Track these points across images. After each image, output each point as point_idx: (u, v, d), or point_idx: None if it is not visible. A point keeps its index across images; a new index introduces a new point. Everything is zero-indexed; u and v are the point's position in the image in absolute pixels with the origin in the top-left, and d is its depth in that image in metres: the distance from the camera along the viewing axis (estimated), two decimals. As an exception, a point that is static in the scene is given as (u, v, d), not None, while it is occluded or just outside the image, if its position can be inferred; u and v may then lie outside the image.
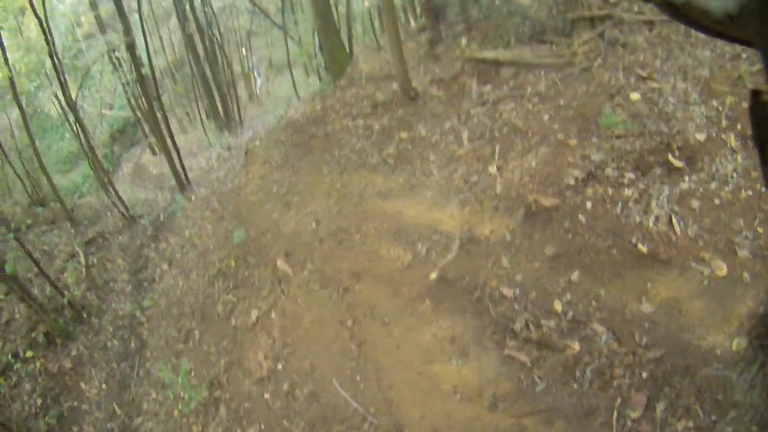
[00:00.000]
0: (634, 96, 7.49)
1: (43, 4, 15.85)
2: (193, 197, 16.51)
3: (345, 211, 9.79)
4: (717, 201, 6.10)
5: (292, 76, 19.67)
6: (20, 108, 16.12)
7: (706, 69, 7.61)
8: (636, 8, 9.08)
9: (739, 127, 6.71)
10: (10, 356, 10.95)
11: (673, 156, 6.60)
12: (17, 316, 11.81)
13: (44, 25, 15.18)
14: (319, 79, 19.00)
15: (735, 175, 6.28)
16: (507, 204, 7.64)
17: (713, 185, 6.25)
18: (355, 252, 8.56)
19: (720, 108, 7.03)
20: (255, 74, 32.50)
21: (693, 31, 8.33)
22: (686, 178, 6.42)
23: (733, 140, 6.59)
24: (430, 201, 8.85)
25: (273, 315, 8.59)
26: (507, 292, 6.29)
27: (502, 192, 7.88)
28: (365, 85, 13.43)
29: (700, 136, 6.69)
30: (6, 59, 15.67)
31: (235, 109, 23.85)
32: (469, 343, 6.10)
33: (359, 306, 7.54)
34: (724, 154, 6.51)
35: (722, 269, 5.38)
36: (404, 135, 10.59)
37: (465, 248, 7.34)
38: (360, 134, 11.68)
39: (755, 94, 0.78)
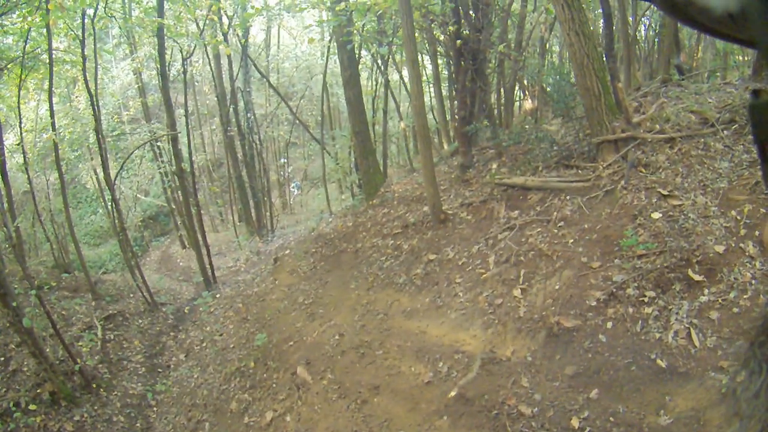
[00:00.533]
0: (656, 215, 7.51)
1: (95, 80, 16.56)
2: (218, 295, 16.60)
3: (369, 327, 9.76)
4: (736, 309, 6.00)
5: (326, 190, 20.05)
6: (60, 173, 16.39)
7: (724, 180, 7.67)
8: (657, 127, 9.26)
9: (756, 233, 6.68)
10: (11, 404, 10.58)
11: (693, 271, 6.55)
12: (25, 368, 11.53)
13: (94, 100, 15.73)
14: (353, 195, 19.29)
15: (753, 282, 6.21)
16: (529, 326, 7.58)
17: (732, 295, 6.16)
18: (375, 366, 8.46)
19: (738, 217, 7.03)
20: (294, 185, 33.15)
21: (712, 144, 8.46)
22: (705, 291, 6.34)
23: (751, 248, 6.53)
24: (454, 322, 8.80)
25: (288, 418, 8.42)
26: (525, 410, 6.11)
27: (525, 314, 7.83)
28: (397, 206, 13.69)
29: (719, 248, 6.65)
30: (53, 123, 16.19)
31: (268, 215, 24.15)
32: None
33: (376, 418, 7.38)
34: (743, 263, 6.45)
35: (741, 375, 5.20)
36: (432, 257, 10.67)
37: (486, 368, 7.20)
38: (389, 253, 11.80)
39: (755, 93, 0.75)
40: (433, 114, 20.16)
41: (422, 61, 18.88)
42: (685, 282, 6.56)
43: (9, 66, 16.02)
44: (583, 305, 7.12)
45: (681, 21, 0.83)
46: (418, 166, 16.99)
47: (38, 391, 11.11)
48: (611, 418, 5.58)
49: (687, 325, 6.10)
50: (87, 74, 15.72)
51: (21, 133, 16.69)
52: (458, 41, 12.50)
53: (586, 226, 8.41)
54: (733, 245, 6.72)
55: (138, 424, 11.74)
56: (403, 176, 18.00)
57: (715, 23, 0.76)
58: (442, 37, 15.06)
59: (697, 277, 6.50)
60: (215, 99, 24.75)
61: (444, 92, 18.73)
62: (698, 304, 6.27)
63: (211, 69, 22.85)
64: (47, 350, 11.36)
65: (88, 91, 15.72)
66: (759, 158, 0.79)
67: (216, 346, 13.16)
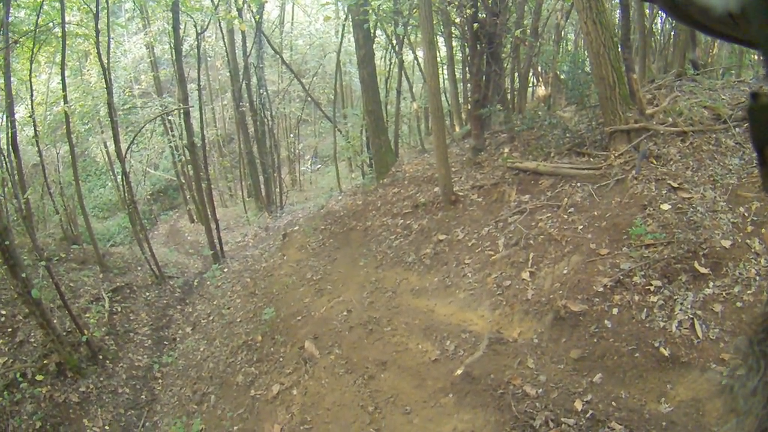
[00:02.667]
0: (665, 206, 7.62)
1: (108, 54, 16.50)
2: (226, 269, 16.75)
3: (377, 304, 9.90)
4: (739, 304, 6.14)
5: (337, 169, 20.04)
6: (71, 145, 16.45)
7: (734, 177, 7.81)
8: (670, 120, 9.35)
9: (763, 230, 6.82)
10: (18, 374, 10.66)
11: (699, 263, 6.68)
12: (32, 339, 11.62)
13: (106, 74, 15.74)
14: (363, 174, 19.27)
15: (758, 278, 6.34)
16: (537, 309, 7.72)
17: (736, 289, 6.30)
18: (383, 342, 8.59)
19: (746, 214, 7.17)
20: (311, 160, 33.16)
21: (723, 140, 8.56)
22: (710, 284, 6.47)
23: (757, 244, 6.68)
24: (462, 302, 8.95)
25: (294, 392, 8.54)
26: (530, 390, 6.24)
27: (532, 297, 7.97)
28: (407, 186, 13.79)
29: (726, 243, 6.79)
30: (65, 96, 16.26)
31: (278, 191, 24.17)
32: None
33: (382, 393, 7.50)
34: (748, 259, 6.59)
35: (739, 372, 5.34)
36: (442, 237, 10.81)
37: (492, 348, 7.32)
38: (399, 232, 11.95)
39: (754, 96, 0.76)
40: (446, 96, 20.10)
41: (437, 42, 18.86)
42: (691, 273, 6.68)
43: (21, 39, 16.01)
44: (590, 290, 7.22)
45: (681, 21, 0.86)
46: (430, 147, 17.10)
47: (45, 362, 11.21)
48: (613, 403, 5.71)
49: (691, 316, 6.23)
50: (100, 48, 15.74)
51: (32, 106, 16.65)
52: (474, 24, 12.54)
53: (595, 213, 8.52)
54: (740, 241, 6.85)
55: (143, 396, 11.91)
56: (414, 157, 18.01)
57: (716, 23, 0.79)
58: (458, 20, 15.05)
59: (702, 270, 6.62)
60: (228, 74, 24.56)
61: (458, 75, 18.75)
62: (703, 296, 6.40)
63: (224, 44, 22.76)
64: (55, 321, 11.50)
65: (101, 65, 15.65)
66: (757, 161, 0.81)
67: (223, 319, 13.29)
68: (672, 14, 0.85)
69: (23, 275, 10.27)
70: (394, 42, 17.89)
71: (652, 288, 6.74)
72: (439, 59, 19.14)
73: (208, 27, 20.47)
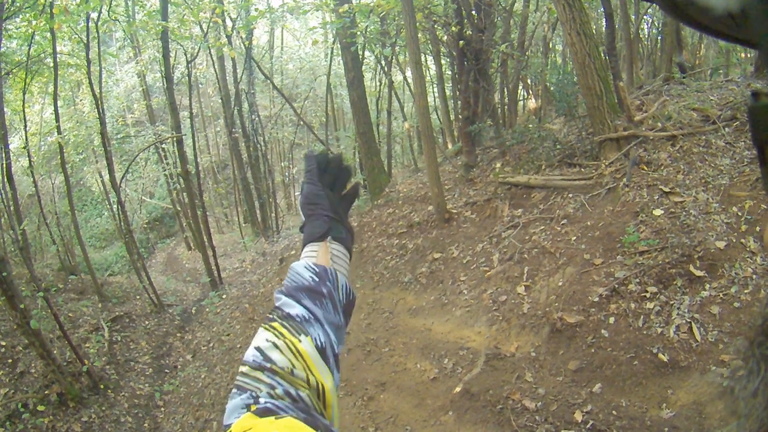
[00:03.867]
0: (657, 212, 7.59)
1: (100, 83, 16.56)
2: (224, 296, 16.72)
3: (375, 325, 9.88)
4: (737, 304, 6.09)
5: (331, 191, 20.11)
6: (66, 176, 16.49)
7: (726, 177, 7.77)
8: (659, 125, 9.35)
9: (757, 229, 6.79)
10: (20, 405, 10.58)
11: (694, 266, 6.63)
12: (32, 370, 11.52)
13: (99, 103, 15.78)
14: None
15: (755, 276, 6.31)
16: (533, 322, 7.66)
17: (733, 290, 6.25)
18: (382, 363, 8.58)
19: (739, 213, 7.13)
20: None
21: (713, 141, 8.55)
22: (707, 286, 6.43)
23: (752, 243, 6.64)
24: (459, 319, 8.90)
25: None
26: (529, 404, 6.20)
27: (529, 311, 7.92)
28: (402, 206, 13.79)
29: (720, 244, 6.74)
30: (58, 127, 16.32)
31: (273, 216, 24.23)
32: None
33: (382, 414, 7.47)
34: (744, 258, 6.55)
35: (739, 374, 5.29)
36: (437, 255, 10.77)
37: (490, 363, 7.30)
38: (394, 253, 11.91)
39: (754, 95, 0.71)
40: (437, 114, 20.23)
41: (426, 61, 18.94)
42: (686, 277, 6.64)
43: (13, 70, 16.07)
44: (585, 301, 7.18)
45: (681, 21, 0.81)
46: (423, 166, 17.07)
47: (46, 392, 11.15)
48: (614, 412, 5.66)
49: (688, 320, 6.18)
50: (92, 77, 15.78)
51: (26, 137, 16.72)
52: (461, 42, 12.57)
53: (588, 223, 8.49)
54: (734, 241, 6.80)
55: (146, 424, 11.82)
56: (408, 176, 18.07)
57: (716, 23, 0.74)
58: (445, 38, 15.13)
59: (698, 273, 6.58)
60: (219, 101, 24.73)
61: (447, 92, 18.85)
62: (699, 299, 6.35)
63: (215, 71, 22.92)
64: (55, 352, 11.42)
65: (93, 95, 15.75)
66: (758, 160, 0.76)
67: (223, 346, 13.27)
68: (672, 14, 0.81)
69: (21, 306, 10.21)
70: (383, 63, 18.01)
71: (647, 294, 6.70)
72: (428, 78, 19.25)
73: (198, 54, 20.62)
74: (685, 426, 5.21)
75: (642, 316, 6.51)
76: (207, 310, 16.30)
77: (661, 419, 5.40)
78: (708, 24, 0.75)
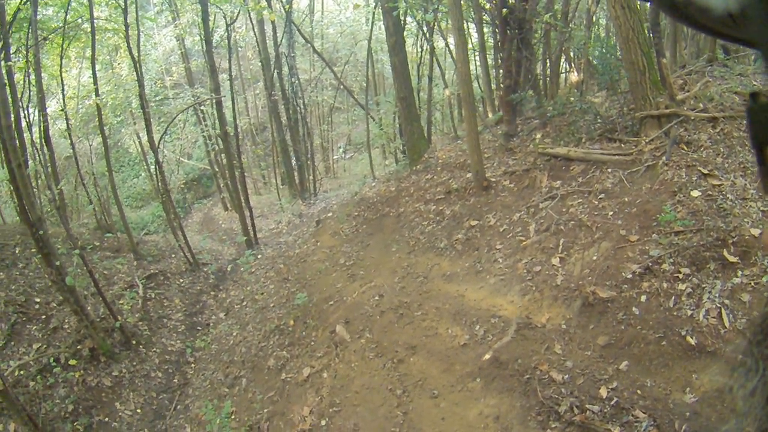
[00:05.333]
0: (695, 193, 7.58)
1: (138, 47, 16.84)
2: (259, 256, 16.96)
3: (409, 289, 10.00)
4: (768, 294, 6.07)
5: (370, 156, 20.09)
6: (103, 137, 16.84)
7: (765, 163, 7.70)
8: (701, 106, 9.26)
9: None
10: (51, 360, 10.95)
11: (728, 252, 6.62)
12: (66, 326, 11.95)
13: (137, 66, 16.08)
14: (396, 161, 19.34)
15: (787, 268, 6.24)
16: (566, 294, 7.74)
17: (765, 279, 6.24)
18: (413, 327, 8.69)
19: (776, 202, 7.07)
20: (342, 148, 33.39)
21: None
22: (739, 273, 6.41)
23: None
24: (492, 287, 8.99)
25: (325, 375, 8.70)
26: (556, 376, 6.31)
27: (562, 283, 7.99)
28: (440, 172, 13.86)
29: (755, 231, 6.72)
30: (97, 89, 16.60)
31: (311, 179, 24.33)
32: (513, 422, 6.09)
33: (411, 377, 7.62)
34: (777, 248, 6.50)
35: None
36: (474, 223, 10.88)
37: (521, 333, 7.39)
38: (431, 218, 12.03)
39: (753, 96, 0.76)
40: (478, 82, 20.02)
41: (468, 29, 18.74)
42: (719, 262, 6.63)
43: (50, 36, 16.28)
44: (619, 277, 7.23)
45: (681, 21, 0.85)
46: (462, 133, 17.04)
47: (78, 347, 11.49)
48: (638, 391, 5.74)
49: (719, 305, 6.19)
50: (130, 41, 16.07)
51: (63, 100, 17.00)
52: (504, 10, 12.45)
53: (626, 199, 8.49)
54: (769, 230, 6.78)
55: (175, 380, 12.18)
56: (447, 143, 18.00)
57: (715, 23, 0.78)
58: (488, 6, 15.01)
59: (731, 258, 6.57)
60: (259, 64, 24.72)
61: (489, 61, 18.65)
62: (731, 285, 6.34)
63: (255, 34, 22.99)
64: (89, 308, 11.74)
65: (132, 58, 16.06)
66: (757, 161, 0.82)
67: (256, 304, 13.48)
68: (671, 14, 0.85)
69: (57, 263, 10.53)
70: (425, 29, 17.87)
71: (680, 276, 6.72)
72: (470, 46, 19.09)
73: (237, 18, 20.64)
74: (706, 413, 5.28)
75: (673, 297, 6.55)
76: (242, 269, 16.54)
77: (683, 403, 5.49)
78: (708, 24, 0.80)
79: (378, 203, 14.48)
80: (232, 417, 9.47)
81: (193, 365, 12.75)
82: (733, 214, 7.06)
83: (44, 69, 16.70)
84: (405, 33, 16.65)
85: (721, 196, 7.42)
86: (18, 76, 14.02)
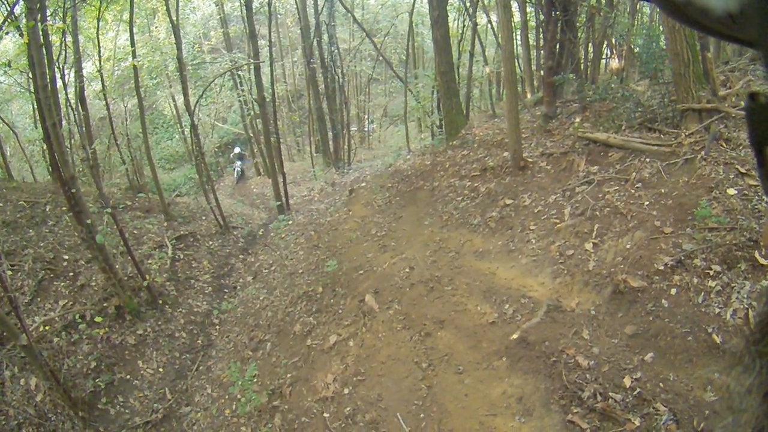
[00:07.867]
0: (731, 191, 7.61)
1: (177, 12, 17.10)
2: (290, 221, 17.00)
3: (440, 263, 10.12)
4: (796, 301, 6.07)
5: (406, 128, 20.12)
6: (139, 98, 17.01)
7: (803, 168, 7.66)
8: (743, 104, 9.18)
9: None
10: (77, 316, 11.12)
11: (760, 253, 6.65)
12: (93, 283, 12.10)
13: (175, 30, 16.32)
14: (432, 135, 19.34)
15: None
16: (597, 280, 7.85)
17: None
18: (443, 301, 8.78)
19: (811, 209, 7.04)
20: (367, 122, 33.42)
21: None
22: (768, 276, 6.44)
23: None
24: (524, 267, 9.14)
25: (351, 343, 8.81)
26: (582, 361, 6.43)
27: (594, 268, 8.09)
28: (477, 149, 13.95)
29: (788, 236, 6.74)
30: (134, 51, 16.77)
31: (346, 148, 24.43)
32: (536, 404, 6.24)
33: (437, 351, 7.74)
34: (807, 256, 6.48)
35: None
36: (509, 201, 11.00)
37: (550, 315, 7.51)
38: (465, 194, 12.18)
39: (752, 96, 0.75)
40: (519, 62, 19.92)
41: (512, 6, 18.66)
42: (750, 263, 6.64)
43: (88, -1, 16.47)
44: (650, 268, 7.29)
45: (681, 21, 0.84)
46: (500, 112, 17.07)
47: (105, 305, 11.73)
48: (661, 384, 5.82)
49: (746, 306, 6.20)
50: (169, 5, 16.22)
51: (99, 62, 17.17)
52: (550, -10, 12.44)
53: (662, 190, 8.53)
54: (802, 236, 6.81)
55: (199, 341, 12.39)
56: (485, 121, 18.02)
57: (715, 23, 0.77)
58: (534, -15, 14.92)
59: (762, 261, 6.58)
60: (298, 32, 24.83)
61: (531, 41, 18.56)
62: (759, 288, 6.35)
63: (295, 2, 22.97)
64: (117, 267, 11.94)
65: (171, 21, 16.21)
66: (756, 162, 0.81)
67: (285, 270, 13.62)
68: (671, 14, 0.85)
69: (88, 221, 10.74)
70: (468, 4, 17.79)
71: (711, 272, 6.76)
72: (513, 24, 19.04)
73: (279, -16, 20.70)
74: (725, 414, 5.36)
75: (703, 293, 6.61)
76: (272, 234, 16.71)
77: (704, 401, 5.56)
78: (708, 24, 0.79)
79: (412, 176, 14.59)
80: (255, 380, 9.60)
81: (218, 327, 12.92)
82: (767, 215, 7.11)
83: (81, 31, 16.88)
84: (447, 7, 16.60)
85: (756, 197, 7.43)
86: (54, 38, 14.19)
